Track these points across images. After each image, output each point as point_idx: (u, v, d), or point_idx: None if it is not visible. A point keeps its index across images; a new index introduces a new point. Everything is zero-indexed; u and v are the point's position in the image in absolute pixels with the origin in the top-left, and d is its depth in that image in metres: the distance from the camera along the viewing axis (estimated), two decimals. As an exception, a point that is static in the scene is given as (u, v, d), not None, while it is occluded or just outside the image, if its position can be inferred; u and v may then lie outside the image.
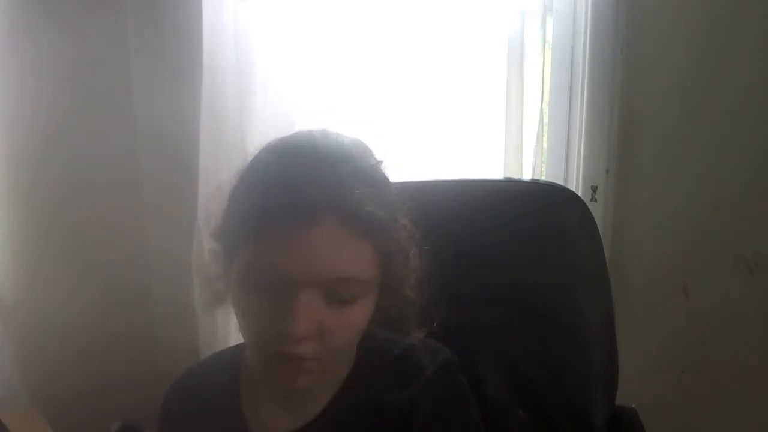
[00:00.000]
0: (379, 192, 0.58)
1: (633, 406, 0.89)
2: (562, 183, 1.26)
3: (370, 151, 0.64)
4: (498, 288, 0.85)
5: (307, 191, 0.54)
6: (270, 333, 0.56)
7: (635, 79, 1.21)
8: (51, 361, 1.35)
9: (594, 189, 1.23)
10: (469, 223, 0.87)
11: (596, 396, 0.84)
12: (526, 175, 1.25)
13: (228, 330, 1.34)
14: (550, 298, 0.85)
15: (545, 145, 1.27)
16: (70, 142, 1.37)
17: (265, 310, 0.56)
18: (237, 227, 0.58)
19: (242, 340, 1.29)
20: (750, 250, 1.24)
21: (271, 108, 1.32)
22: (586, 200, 1.20)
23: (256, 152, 0.63)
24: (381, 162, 0.63)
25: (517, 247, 0.87)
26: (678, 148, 1.24)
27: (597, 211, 1.19)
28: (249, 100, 1.30)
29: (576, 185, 1.25)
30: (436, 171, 1.40)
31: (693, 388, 1.29)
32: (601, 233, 0.89)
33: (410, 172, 1.41)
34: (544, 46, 1.24)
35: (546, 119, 1.26)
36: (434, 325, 0.68)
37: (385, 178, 0.63)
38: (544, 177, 1.27)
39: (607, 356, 0.85)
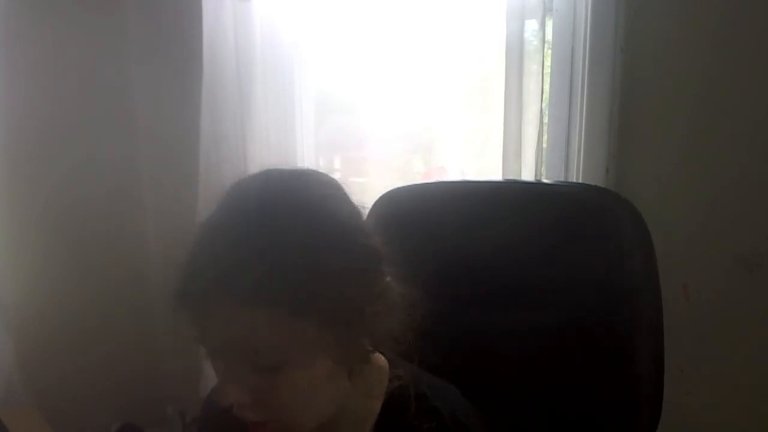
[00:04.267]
0: (304, 253, 0.57)
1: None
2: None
3: (322, 183, 0.64)
4: (536, 295, 0.81)
5: (208, 279, 0.57)
6: None
7: (635, 79, 1.21)
8: (51, 361, 1.35)
9: (594, 189, 1.23)
10: (511, 227, 0.83)
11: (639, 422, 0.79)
12: (526, 175, 1.25)
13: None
14: (594, 309, 0.79)
15: (545, 145, 1.27)
16: (70, 142, 1.37)
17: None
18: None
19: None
20: (750, 250, 1.24)
21: (271, 108, 1.32)
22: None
23: (222, 199, 0.63)
24: (334, 193, 0.63)
25: (561, 255, 0.81)
26: (678, 148, 1.24)
27: (597, 211, 1.18)
28: (249, 100, 1.30)
29: (576, 185, 1.25)
30: (435, 170, 1.40)
31: (693, 388, 1.29)
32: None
33: (409, 172, 1.42)
34: (544, 46, 1.24)
35: (546, 119, 1.26)
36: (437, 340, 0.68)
37: (328, 219, 0.60)
38: (544, 177, 1.27)
39: (654, 393, 0.80)
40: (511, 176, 1.24)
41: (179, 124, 1.36)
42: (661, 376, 0.81)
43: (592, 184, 1.21)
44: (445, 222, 0.89)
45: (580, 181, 1.24)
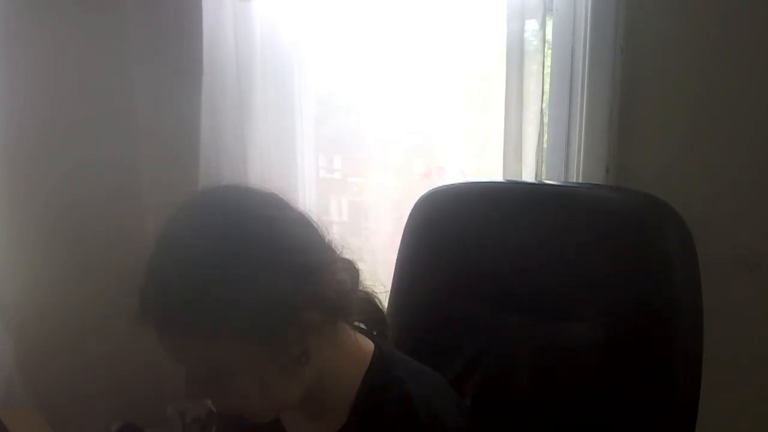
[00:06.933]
0: (219, 282, 0.61)
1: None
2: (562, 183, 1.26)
3: (257, 203, 0.68)
4: (569, 303, 0.79)
5: (141, 303, 0.67)
6: None
7: (635, 79, 1.21)
8: (51, 361, 1.35)
9: (594, 189, 1.23)
10: (548, 232, 0.81)
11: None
12: (526, 176, 1.25)
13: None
14: (631, 321, 0.77)
15: (545, 145, 1.27)
16: (70, 142, 1.37)
17: None
18: None
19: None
20: (750, 250, 1.24)
21: (271, 108, 1.32)
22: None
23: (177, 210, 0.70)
24: (266, 213, 0.66)
25: (599, 263, 0.79)
26: (678, 148, 1.24)
27: (597, 211, 1.18)
28: (249, 100, 1.30)
29: (576, 185, 1.25)
30: (435, 170, 1.40)
31: (693, 388, 1.29)
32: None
33: (409, 172, 1.41)
34: (544, 46, 1.24)
35: (546, 119, 1.26)
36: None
37: (248, 245, 0.63)
38: (544, 177, 1.27)
39: (689, 411, 0.79)
40: (512, 176, 1.24)
41: (179, 125, 1.36)
42: (697, 397, 0.81)
43: (593, 183, 1.21)
44: (478, 223, 0.89)
45: (581, 181, 1.24)
